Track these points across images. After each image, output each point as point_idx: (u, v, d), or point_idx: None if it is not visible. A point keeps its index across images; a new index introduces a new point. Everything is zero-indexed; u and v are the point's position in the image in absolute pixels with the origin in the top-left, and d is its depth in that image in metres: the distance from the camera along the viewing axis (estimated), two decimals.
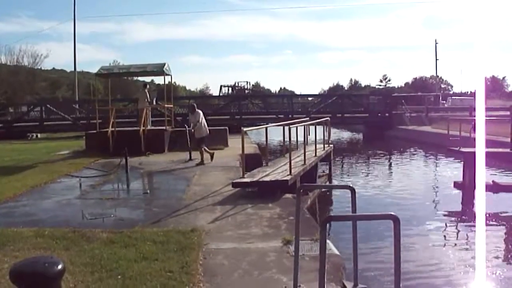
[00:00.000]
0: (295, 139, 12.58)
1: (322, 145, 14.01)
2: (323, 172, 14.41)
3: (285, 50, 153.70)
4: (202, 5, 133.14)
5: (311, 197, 10.53)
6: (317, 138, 14.45)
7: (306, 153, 11.06)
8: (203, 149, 12.73)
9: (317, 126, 15.54)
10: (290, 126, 10.75)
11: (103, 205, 7.74)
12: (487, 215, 9.55)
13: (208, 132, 13.26)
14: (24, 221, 6.63)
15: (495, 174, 13.99)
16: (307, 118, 17.40)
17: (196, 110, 13.26)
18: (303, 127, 12.81)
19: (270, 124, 14.96)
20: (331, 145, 15.20)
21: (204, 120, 13.23)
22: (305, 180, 10.33)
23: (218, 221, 6.57)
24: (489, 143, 13.98)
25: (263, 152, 13.60)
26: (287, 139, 10.77)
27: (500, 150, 13.84)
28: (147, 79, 62.74)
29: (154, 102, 19.35)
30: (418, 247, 7.68)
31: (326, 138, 15.31)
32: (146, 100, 16.33)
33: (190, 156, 13.16)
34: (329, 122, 16.05)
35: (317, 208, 10.30)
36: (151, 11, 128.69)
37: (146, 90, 16.81)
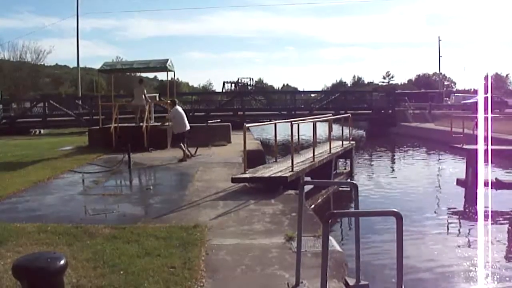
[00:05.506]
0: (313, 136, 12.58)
1: (343, 142, 13.95)
2: (345, 169, 14.36)
3: (287, 46, 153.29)
4: (203, 0, 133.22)
5: (323, 194, 10.51)
6: (338, 135, 14.38)
7: (323, 150, 11.01)
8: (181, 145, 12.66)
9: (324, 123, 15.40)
10: (294, 122, 10.73)
11: (106, 201, 7.74)
12: (492, 212, 9.53)
13: (186, 128, 12.98)
14: (27, 216, 6.65)
15: (501, 172, 13.94)
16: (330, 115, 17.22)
17: (175, 105, 13.26)
18: (319, 123, 12.78)
19: (278, 121, 14.91)
20: (352, 142, 15.01)
21: (180, 116, 13.00)
22: (318, 177, 10.30)
23: (220, 217, 6.56)
24: (495, 140, 13.93)
25: (268, 149, 13.57)
26: (301, 136, 10.70)
27: (505, 147, 13.79)
28: (150, 75, 63.14)
29: (158, 98, 19.36)
30: (421, 243, 7.68)
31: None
32: (143, 96, 15.96)
33: (190, 153, 13.12)
34: (350, 119, 15.89)
35: (331, 205, 10.29)
36: (152, 7, 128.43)
37: (143, 86, 16.71)
